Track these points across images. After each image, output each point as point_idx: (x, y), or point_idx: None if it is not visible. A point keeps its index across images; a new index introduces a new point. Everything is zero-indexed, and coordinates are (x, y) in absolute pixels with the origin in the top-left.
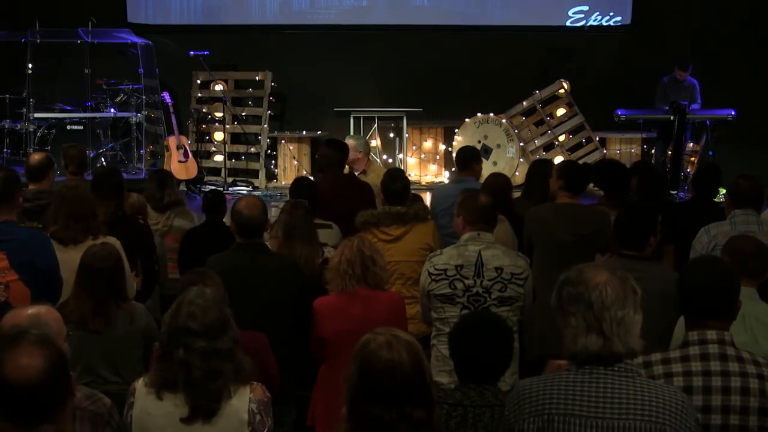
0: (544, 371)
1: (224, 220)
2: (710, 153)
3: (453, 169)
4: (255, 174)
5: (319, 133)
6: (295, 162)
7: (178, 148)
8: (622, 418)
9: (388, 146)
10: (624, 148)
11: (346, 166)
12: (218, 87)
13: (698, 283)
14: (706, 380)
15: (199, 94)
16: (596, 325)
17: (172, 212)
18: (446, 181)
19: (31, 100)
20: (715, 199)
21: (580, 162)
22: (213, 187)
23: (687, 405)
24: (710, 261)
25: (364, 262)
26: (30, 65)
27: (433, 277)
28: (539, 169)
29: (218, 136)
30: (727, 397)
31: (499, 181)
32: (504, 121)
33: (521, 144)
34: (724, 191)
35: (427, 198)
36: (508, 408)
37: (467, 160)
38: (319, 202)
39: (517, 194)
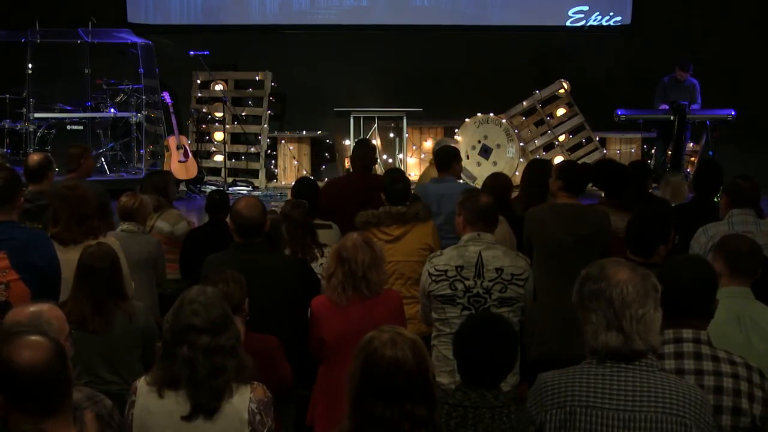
0: None
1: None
2: (710, 153)
3: None
4: (255, 174)
5: (318, 133)
6: (295, 162)
7: (178, 148)
8: (644, 411)
9: (388, 146)
10: (624, 148)
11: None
12: (218, 87)
13: (676, 282)
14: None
15: (199, 94)
16: (616, 323)
17: (157, 213)
18: None
19: (31, 100)
20: (715, 199)
21: (580, 162)
22: (215, 188)
23: (705, 400)
24: (689, 260)
25: (356, 284)
26: (30, 65)
27: (433, 277)
28: (535, 170)
29: (218, 136)
30: None
31: (500, 181)
32: (504, 121)
33: (521, 144)
34: (720, 191)
35: None
36: (529, 400)
37: (448, 160)
38: (321, 202)
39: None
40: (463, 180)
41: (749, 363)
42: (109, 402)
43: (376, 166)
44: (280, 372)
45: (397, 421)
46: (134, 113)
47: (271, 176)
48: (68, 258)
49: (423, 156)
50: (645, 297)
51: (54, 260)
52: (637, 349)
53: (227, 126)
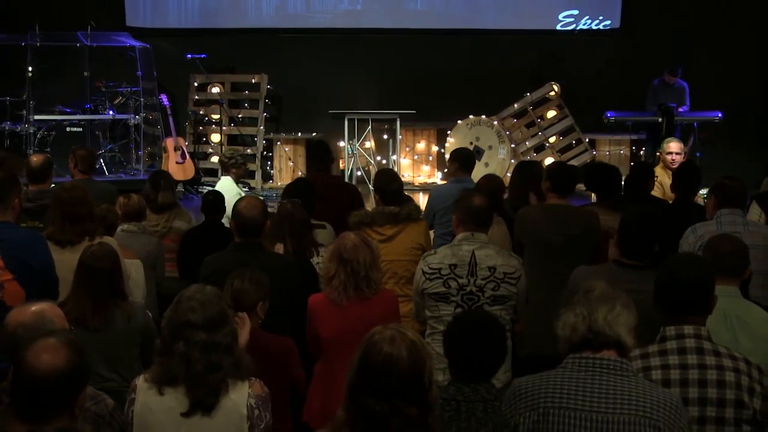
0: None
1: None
2: (698, 154)
3: (445, 170)
4: (251, 175)
5: (314, 134)
6: (291, 163)
7: (175, 149)
8: (617, 413)
9: (382, 148)
10: (613, 150)
11: None
12: (215, 89)
13: (676, 278)
14: (683, 373)
15: (197, 97)
16: (587, 316)
17: (171, 213)
18: (438, 181)
19: (31, 102)
20: (697, 199)
21: (569, 163)
22: (211, 188)
23: (680, 406)
24: (687, 257)
25: (358, 284)
26: (30, 68)
27: (427, 276)
28: (522, 173)
29: (215, 137)
30: (704, 390)
31: (493, 182)
32: (495, 123)
33: (512, 145)
34: (706, 192)
35: (420, 198)
36: (504, 404)
37: (471, 161)
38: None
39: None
40: None
41: (748, 359)
42: (110, 401)
43: (371, 167)
44: (295, 373)
45: (388, 417)
46: (132, 115)
47: (267, 177)
48: (64, 259)
49: (416, 157)
50: (615, 298)
51: (48, 260)
52: (600, 331)
53: (224, 128)
